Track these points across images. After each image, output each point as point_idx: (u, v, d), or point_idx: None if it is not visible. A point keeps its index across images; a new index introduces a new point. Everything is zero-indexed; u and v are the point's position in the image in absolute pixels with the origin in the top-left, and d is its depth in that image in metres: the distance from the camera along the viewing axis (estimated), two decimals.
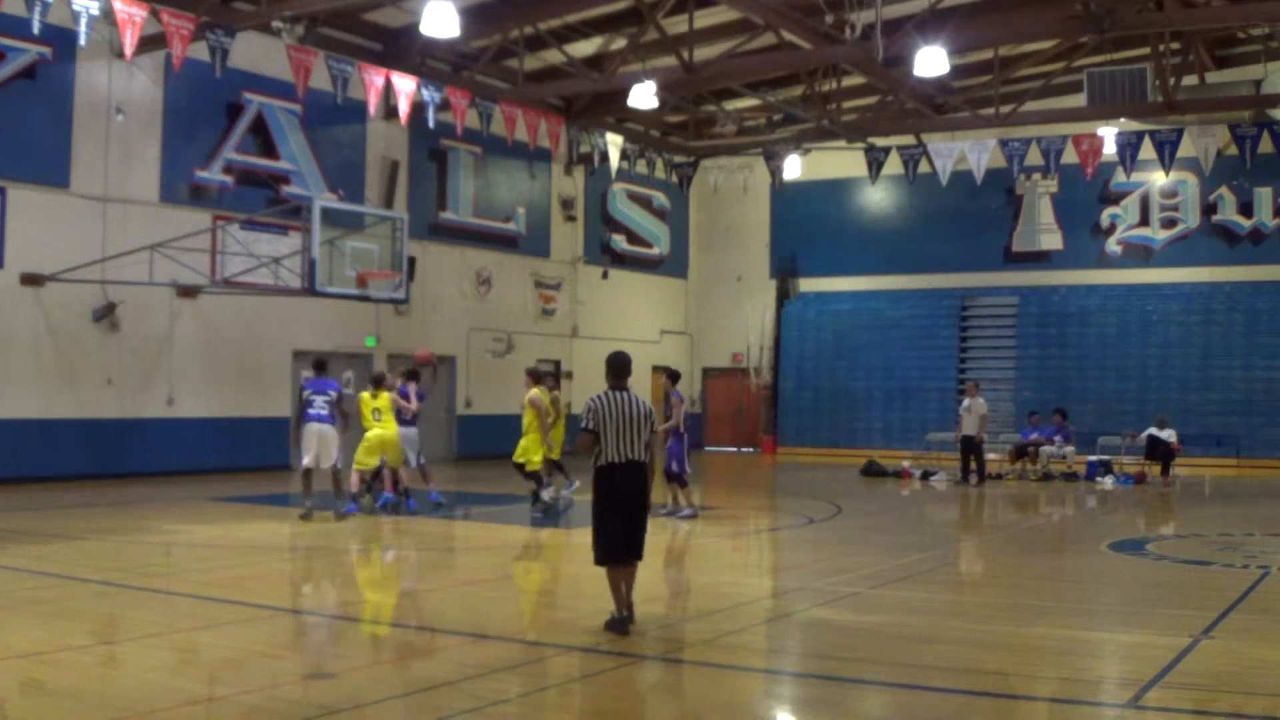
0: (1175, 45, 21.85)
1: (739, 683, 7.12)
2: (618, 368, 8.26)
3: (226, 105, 20.84)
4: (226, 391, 20.89)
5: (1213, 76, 23.51)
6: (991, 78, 23.01)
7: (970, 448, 21.30)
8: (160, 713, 6.07)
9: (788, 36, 20.73)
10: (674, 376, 15.37)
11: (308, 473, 14.33)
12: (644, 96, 21.56)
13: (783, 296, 31.55)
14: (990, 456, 22.23)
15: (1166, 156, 22.93)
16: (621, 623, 7.86)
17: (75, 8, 15.94)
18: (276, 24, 18.82)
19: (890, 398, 29.06)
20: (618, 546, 8.00)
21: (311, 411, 14.27)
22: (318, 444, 14.19)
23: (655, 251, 31.63)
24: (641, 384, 27.93)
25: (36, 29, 16.02)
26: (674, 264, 32.29)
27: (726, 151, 29.13)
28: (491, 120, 21.97)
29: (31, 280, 18.19)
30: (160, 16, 16.71)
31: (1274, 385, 25.34)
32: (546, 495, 15.47)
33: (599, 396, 8.11)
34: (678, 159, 28.92)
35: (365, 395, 15.40)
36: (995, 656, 7.69)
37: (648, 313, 31.00)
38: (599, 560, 8.09)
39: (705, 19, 21.20)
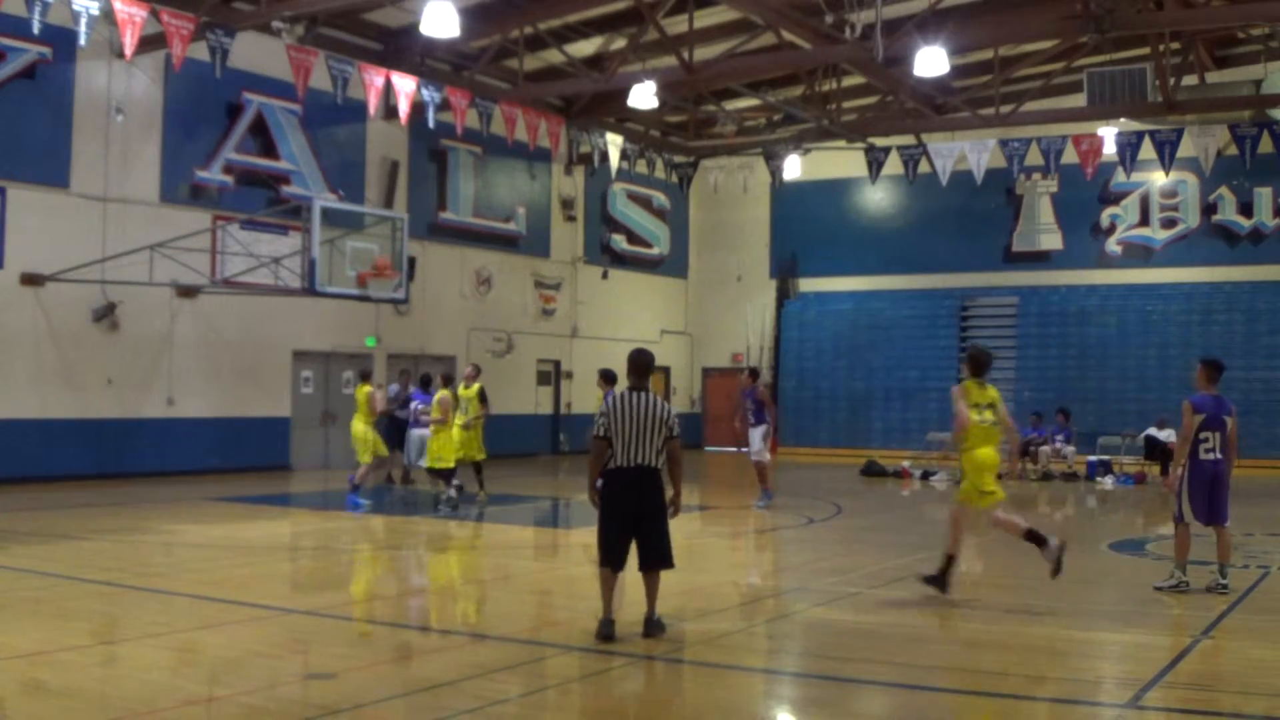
0: (1175, 45, 21.83)
1: (739, 683, 7.12)
2: (639, 367, 8.05)
3: (226, 105, 20.84)
4: (226, 391, 20.89)
5: (1213, 76, 23.50)
6: (991, 78, 23.00)
7: None
8: (160, 713, 6.08)
9: (788, 36, 20.73)
10: (424, 380, 17.36)
11: None
12: (644, 96, 21.55)
13: (783, 296, 31.56)
14: None
15: (1166, 156, 22.93)
16: (607, 627, 7.72)
17: (75, 8, 15.93)
18: (276, 24, 18.80)
19: (890, 398, 29.04)
20: (614, 552, 7.86)
21: None
22: None
23: (655, 251, 31.63)
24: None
25: (36, 29, 16.02)
26: (674, 264, 32.29)
27: (726, 151, 29.11)
28: (491, 120, 21.97)
29: (31, 280, 18.19)
30: (160, 16, 16.70)
31: (1274, 385, 25.32)
32: (452, 491, 16.10)
33: (612, 398, 7.99)
34: (678, 159, 28.91)
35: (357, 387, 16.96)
36: (995, 656, 7.70)
37: (648, 313, 30.99)
38: (600, 562, 8.00)
39: (705, 19, 21.20)
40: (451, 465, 16.07)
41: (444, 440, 15.98)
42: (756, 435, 16.79)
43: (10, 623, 8.20)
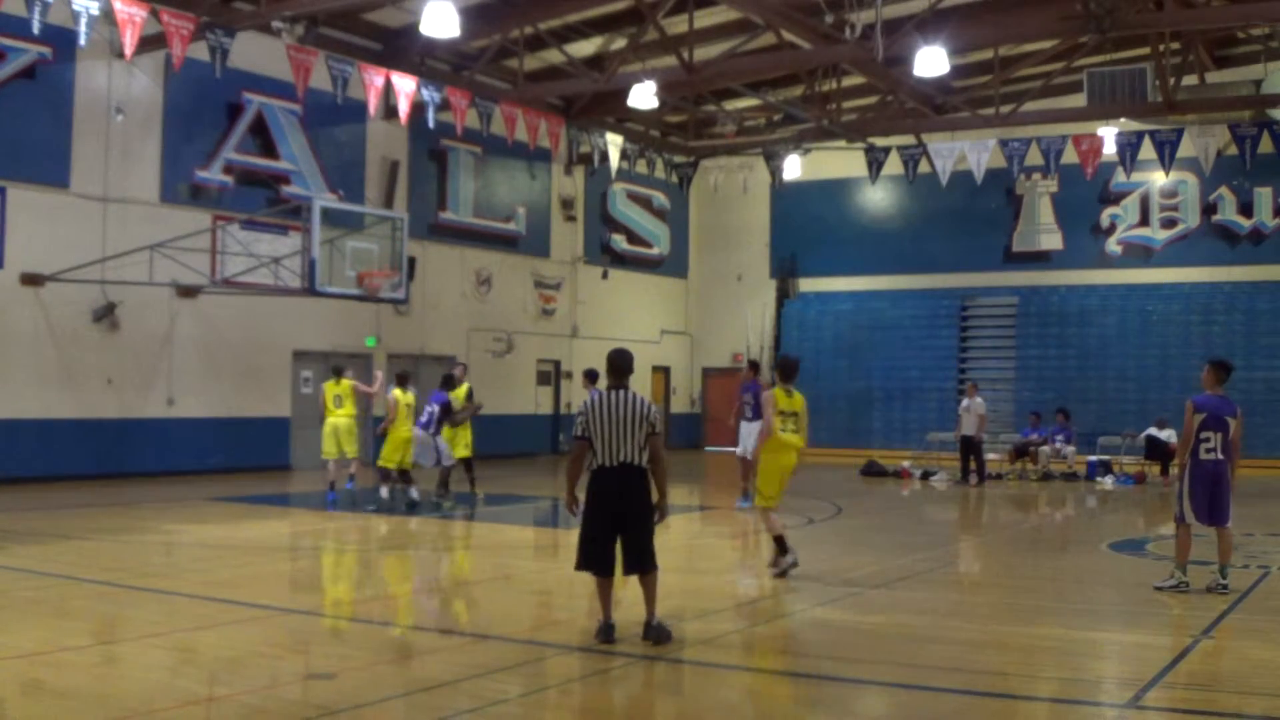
0: (1175, 45, 21.84)
1: (739, 683, 7.12)
2: (617, 367, 7.96)
3: (226, 105, 20.84)
4: (226, 391, 20.88)
5: (1213, 76, 23.50)
6: (991, 78, 23.01)
7: (970, 448, 21.31)
8: (160, 713, 6.07)
9: (788, 36, 20.72)
10: (445, 380, 17.04)
11: None
12: (644, 96, 21.54)
13: (783, 296, 31.56)
14: (990, 456, 22.22)
15: (1166, 156, 22.93)
16: (607, 631, 7.68)
17: (75, 8, 15.94)
18: (276, 24, 18.81)
19: (890, 398, 29.04)
20: (597, 556, 7.70)
21: None
22: None
23: (655, 251, 31.63)
24: (643, 385, 27.91)
25: (36, 29, 16.03)
26: (674, 264, 32.29)
27: (726, 151, 29.11)
28: (491, 120, 21.97)
29: (31, 280, 18.19)
30: (160, 16, 16.71)
31: (1274, 385, 25.31)
32: (384, 492, 16.24)
33: (591, 399, 7.88)
34: (678, 159, 28.91)
35: (329, 383, 16.73)
36: (995, 656, 7.69)
37: (648, 313, 31.00)
38: (576, 565, 7.86)
39: (705, 19, 21.19)
40: (392, 466, 16.20)
41: (390, 440, 16.13)
42: (751, 431, 16.78)
43: (10, 623, 8.20)
